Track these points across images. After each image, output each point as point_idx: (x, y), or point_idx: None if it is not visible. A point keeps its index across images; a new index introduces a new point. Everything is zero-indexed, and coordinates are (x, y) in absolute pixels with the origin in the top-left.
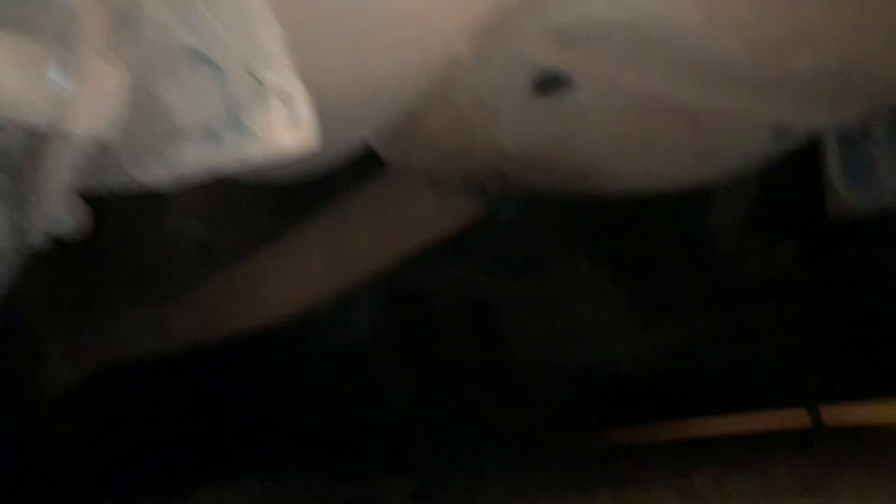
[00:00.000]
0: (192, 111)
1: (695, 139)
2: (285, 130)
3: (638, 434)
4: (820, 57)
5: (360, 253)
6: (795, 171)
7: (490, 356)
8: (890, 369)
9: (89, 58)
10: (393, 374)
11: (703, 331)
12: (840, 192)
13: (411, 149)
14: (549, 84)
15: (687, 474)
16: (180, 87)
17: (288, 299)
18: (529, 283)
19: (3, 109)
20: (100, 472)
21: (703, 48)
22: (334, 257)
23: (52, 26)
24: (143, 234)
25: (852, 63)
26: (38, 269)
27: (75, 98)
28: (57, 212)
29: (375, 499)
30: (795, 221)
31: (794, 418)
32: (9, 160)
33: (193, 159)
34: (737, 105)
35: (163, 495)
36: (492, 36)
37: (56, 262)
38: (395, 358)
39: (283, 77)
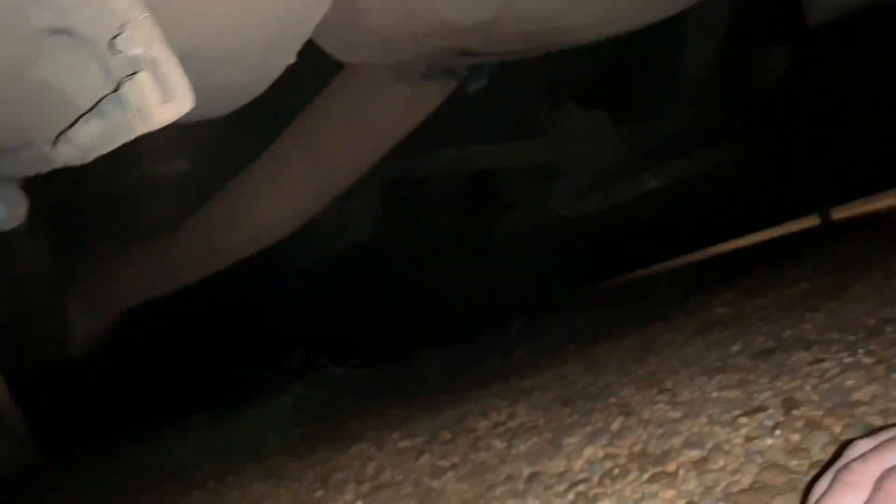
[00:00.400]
0: (79, 90)
1: None
2: (158, 102)
3: (657, 271)
4: None
5: (340, 157)
6: None
7: (499, 223)
8: (887, 163)
9: None
10: (408, 261)
11: (705, 158)
12: None
13: (360, 44)
14: None
15: (707, 304)
16: (59, 67)
17: (280, 217)
18: (524, 144)
19: None
20: (154, 401)
21: None
22: (315, 167)
23: None
24: (127, 180)
25: None
26: (39, 237)
27: None
28: None
29: (416, 381)
30: (775, 32)
31: (805, 224)
32: None
33: (89, 137)
34: None
35: (216, 415)
36: None
37: (52, 226)
38: (406, 246)
39: (146, 45)
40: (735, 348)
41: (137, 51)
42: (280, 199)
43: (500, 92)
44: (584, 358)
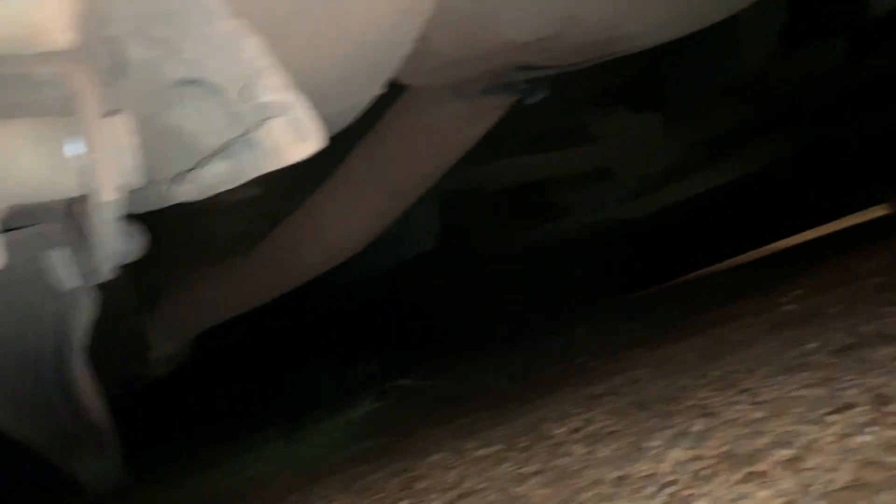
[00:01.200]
0: (205, 133)
1: None
2: (293, 143)
3: (717, 270)
4: None
5: (406, 175)
6: None
7: (555, 228)
8: None
9: (95, 120)
10: (467, 271)
11: (763, 153)
12: None
13: (425, 67)
14: None
15: (775, 302)
16: (187, 113)
17: (351, 235)
18: (577, 151)
19: (33, 194)
20: (230, 414)
21: None
22: (383, 186)
23: (51, 103)
24: (202, 204)
25: None
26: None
27: (96, 162)
28: (115, 246)
29: (482, 388)
30: (836, 22)
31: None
32: (54, 212)
33: (215, 175)
34: None
35: (288, 429)
36: None
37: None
38: (465, 256)
39: (279, 91)
40: (812, 345)
41: (270, 97)
42: (351, 218)
43: (554, 100)
44: (652, 361)
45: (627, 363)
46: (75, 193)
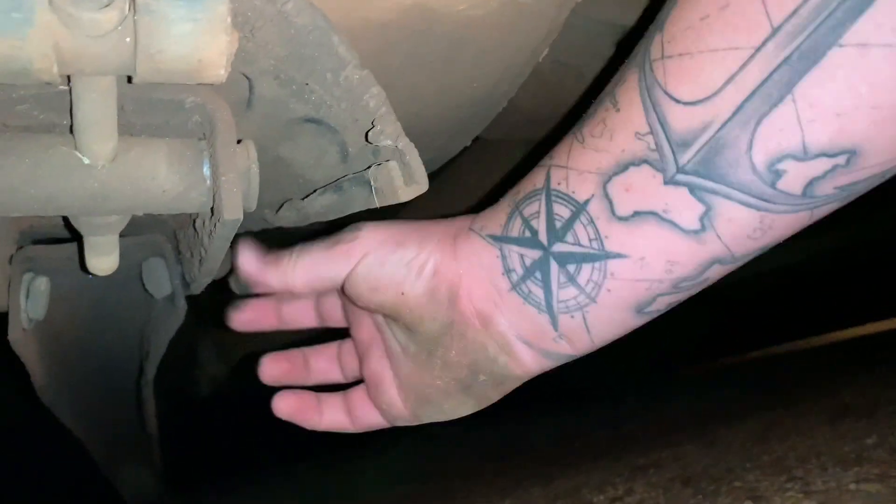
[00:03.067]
0: (316, 168)
1: None
2: (402, 185)
3: (779, 351)
4: None
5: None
6: None
7: None
8: None
9: (228, 145)
10: None
11: (840, 233)
12: None
13: (502, 121)
14: (630, 37)
15: (835, 391)
16: (301, 148)
17: None
18: None
19: (171, 206)
20: (268, 442)
21: None
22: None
23: (192, 127)
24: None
25: None
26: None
27: (222, 186)
28: (219, 262)
29: (524, 445)
30: None
31: None
32: (165, 226)
33: (322, 206)
34: None
35: (322, 464)
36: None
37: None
38: None
39: (395, 138)
40: (870, 441)
41: (387, 143)
42: None
43: None
44: (701, 437)
45: (675, 437)
46: (203, 210)
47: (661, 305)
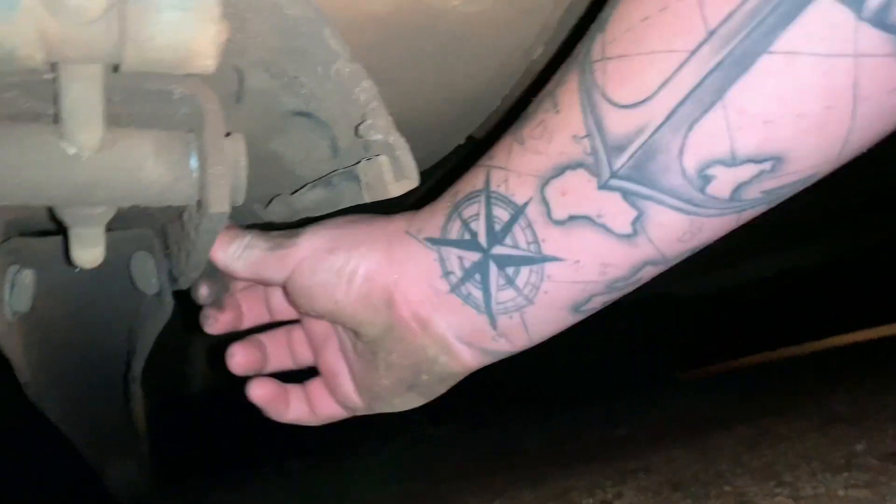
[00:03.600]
0: (306, 162)
1: None
2: (393, 180)
3: (771, 358)
4: None
5: None
6: None
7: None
8: None
9: (217, 138)
10: None
11: (839, 241)
12: None
13: (495, 120)
14: None
15: (825, 399)
16: (291, 142)
17: None
18: None
19: (157, 198)
20: (258, 439)
21: None
22: None
23: (180, 118)
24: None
25: None
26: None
27: (209, 179)
28: (207, 256)
29: (516, 447)
30: None
31: None
32: (153, 220)
33: (312, 201)
34: None
35: (313, 464)
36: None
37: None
38: None
39: (385, 133)
40: (860, 447)
41: (377, 137)
42: None
43: None
44: (691, 443)
45: (665, 442)
46: (190, 202)
47: (597, 304)
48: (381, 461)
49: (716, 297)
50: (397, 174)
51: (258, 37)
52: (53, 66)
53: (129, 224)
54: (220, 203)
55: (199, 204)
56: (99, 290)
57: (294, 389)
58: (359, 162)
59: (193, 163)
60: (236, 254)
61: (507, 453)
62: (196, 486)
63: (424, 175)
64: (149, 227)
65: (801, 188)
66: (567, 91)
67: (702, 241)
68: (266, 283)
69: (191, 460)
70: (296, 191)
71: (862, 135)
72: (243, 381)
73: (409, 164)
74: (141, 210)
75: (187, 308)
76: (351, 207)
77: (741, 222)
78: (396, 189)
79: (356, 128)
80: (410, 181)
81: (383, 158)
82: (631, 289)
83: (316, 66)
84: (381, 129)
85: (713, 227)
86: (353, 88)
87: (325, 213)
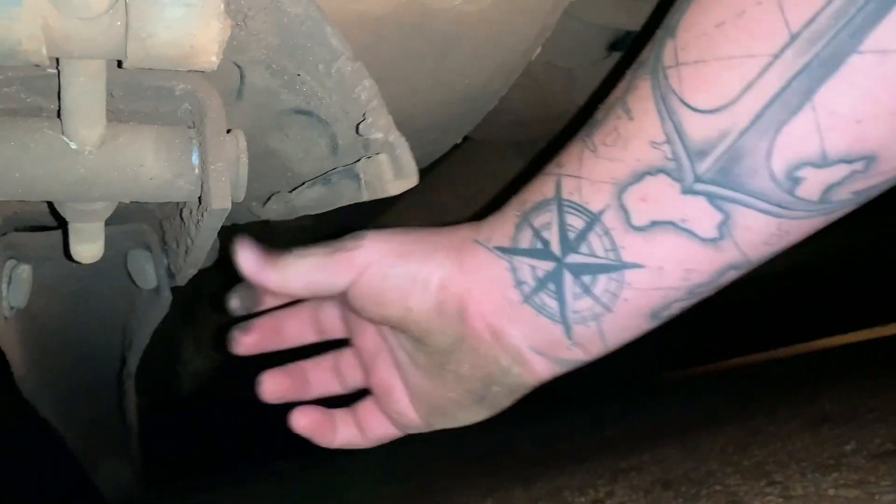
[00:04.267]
0: (304, 160)
1: None
2: (392, 178)
3: (761, 358)
4: None
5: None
6: None
7: None
8: None
9: (217, 134)
10: None
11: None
12: None
13: (492, 121)
14: (622, 41)
15: (814, 399)
16: (290, 140)
17: None
18: None
19: (158, 193)
20: (251, 439)
21: None
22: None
23: (181, 115)
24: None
25: None
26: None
27: (210, 175)
28: (205, 253)
29: (506, 447)
30: None
31: None
32: (150, 215)
33: (310, 199)
34: None
35: (305, 463)
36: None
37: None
38: None
39: (386, 131)
40: (849, 447)
41: (377, 136)
42: None
43: None
44: (682, 442)
45: (656, 441)
46: (191, 198)
47: (675, 310)
48: (373, 461)
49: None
50: (397, 173)
51: (260, 34)
52: (56, 62)
53: (127, 219)
54: (221, 199)
55: (200, 200)
56: (94, 285)
57: (341, 414)
58: (358, 160)
59: (195, 159)
60: (290, 263)
61: (498, 453)
62: (187, 487)
63: (420, 175)
64: (147, 222)
65: (891, 185)
66: (640, 98)
67: (788, 244)
68: (322, 294)
69: (181, 460)
70: (294, 188)
71: None
72: (234, 381)
73: (408, 162)
74: (138, 205)
75: (179, 305)
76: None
77: (828, 223)
78: (395, 188)
79: (357, 126)
80: (410, 180)
81: (383, 157)
82: (711, 293)
83: (317, 64)
84: (381, 127)
85: (800, 230)
86: (355, 87)
87: (323, 210)
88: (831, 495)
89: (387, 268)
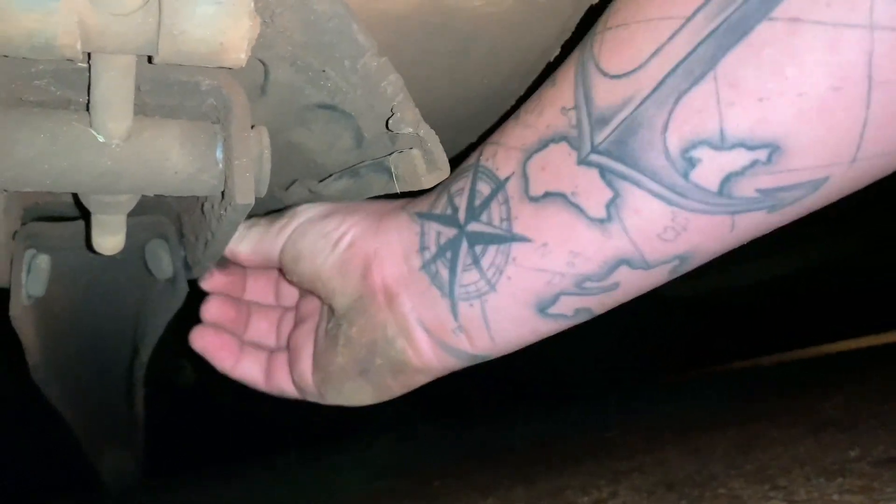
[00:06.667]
0: (329, 152)
1: None
2: (426, 172)
3: (763, 362)
4: None
5: None
6: None
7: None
8: None
9: (242, 129)
10: None
11: (831, 250)
12: None
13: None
14: None
15: (817, 405)
16: (313, 133)
17: None
18: None
19: (182, 187)
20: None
21: None
22: None
23: (206, 110)
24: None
25: None
26: None
27: (235, 170)
28: (225, 246)
29: (504, 445)
30: None
31: None
32: (167, 208)
33: (337, 190)
34: None
35: (303, 457)
36: None
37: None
38: None
39: (415, 126)
40: (853, 453)
41: (407, 130)
42: None
43: None
44: (682, 445)
45: (656, 443)
46: (214, 192)
47: (567, 309)
48: (370, 457)
49: (710, 300)
50: (430, 166)
51: (286, 31)
52: (87, 56)
53: (144, 211)
54: (245, 194)
55: (223, 195)
56: (108, 275)
57: (254, 350)
58: (389, 154)
59: (219, 154)
60: (240, 236)
61: (494, 452)
62: (182, 479)
63: None
64: (163, 213)
65: (806, 197)
66: (567, 64)
67: (688, 245)
68: (267, 263)
69: (177, 453)
70: (322, 180)
71: (881, 133)
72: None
73: (440, 155)
74: (157, 198)
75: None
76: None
77: (738, 233)
78: (429, 181)
79: (386, 122)
80: (443, 171)
81: (415, 152)
82: (608, 300)
83: (343, 60)
84: (410, 122)
85: (701, 228)
86: (380, 82)
87: (352, 200)
88: (836, 501)
89: (308, 226)
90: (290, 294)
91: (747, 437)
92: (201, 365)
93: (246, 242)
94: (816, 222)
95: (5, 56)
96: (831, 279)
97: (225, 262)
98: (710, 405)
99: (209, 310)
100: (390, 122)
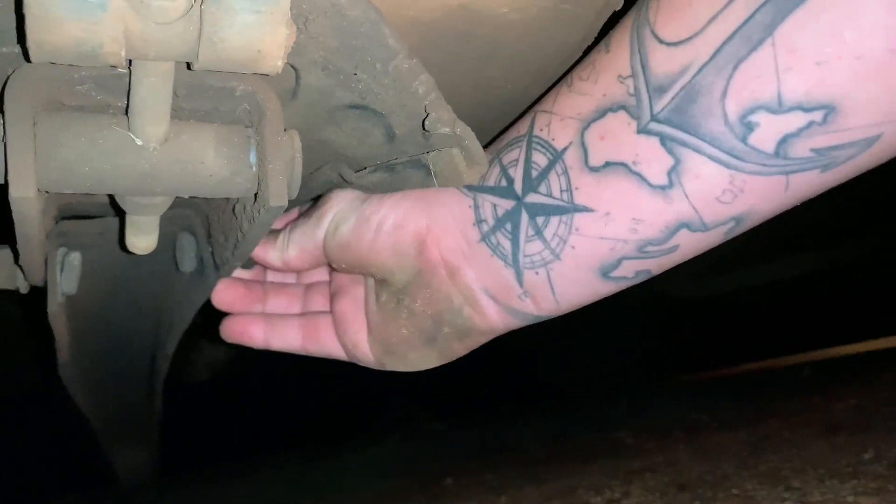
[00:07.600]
0: (360, 147)
1: None
2: (466, 169)
3: (775, 364)
4: None
5: None
6: None
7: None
8: None
9: (275, 133)
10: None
11: (842, 252)
12: None
13: None
14: None
15: (828, 406)
16: (343, 131)
17: None
18: None
19: (216, 190)
20: (258, 429)
21: None
22: None
23: (240, 114)
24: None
25: None
26: None
27: (269, 173)
28: (255, 246)
29: (514, 445)
30: None
31: None
32: (197, 209)
33: (371, 183)
34: None
35: (310, 454)
36: None
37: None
38: None
39: (451, 125)
40: (867, 455)
41: (444, 130)
42: None
43: None
44: (694, 445)
45: (668, 443)
46: (248, 195)
47: (628, 272)
48: (380, 455)
49: (722, 301)
50: (469, 162)
51: (318, 37)
52: (128, 62)
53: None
54: (278, 197)
55: (256, 197)
56: (134, 271)
57: (283, 320)
58: (425, 152)
59: (252, 157)
60: (285, 238)
61: (507, 450)
62: (188, 477)
63: None
64: (190, 208)
65: (860, 155)
66: (620, 30)
67: (746, 206)
68: (313, 258)
69: (185, 450)
70: (357, 171)
71: None
72: (240, 372)
73: (478, 150)
74: (189, 199)
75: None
76: None
77: (792, 192)
78: (470, 177)
79: (423, 122)
80: (482, 166)
81: (455, 151)
82: (668, 262)
83: (374, 63)
84: (446, 121)
85: (756, 190)
86: (412, 83)
87: (387, 192)
88: (850, 503)
89: (347, 213)
90: (321, 299)
91: (758, 438)
92: (208, 363)
93: (293, 246)
94: (831, 223)
95: (51, 63)
96: (844, 281)
97: (251, 263)
98: (722, 406)
99: (219, 294)
100: (426, 122)
